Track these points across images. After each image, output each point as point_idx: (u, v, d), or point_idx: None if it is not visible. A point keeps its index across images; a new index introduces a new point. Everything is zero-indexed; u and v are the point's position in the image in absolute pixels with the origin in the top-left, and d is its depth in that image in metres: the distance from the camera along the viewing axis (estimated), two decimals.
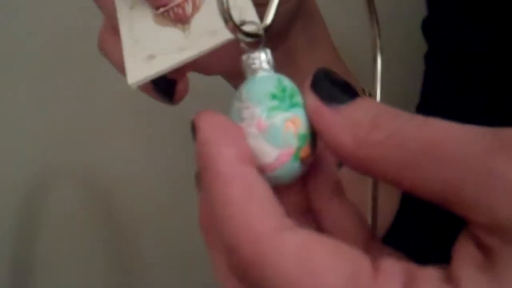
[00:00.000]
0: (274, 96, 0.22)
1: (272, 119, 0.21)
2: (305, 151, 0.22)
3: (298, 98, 0.22)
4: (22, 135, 0.60)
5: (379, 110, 0.20)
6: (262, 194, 0.19)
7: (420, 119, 0.19)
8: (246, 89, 0.22)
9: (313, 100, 0.21)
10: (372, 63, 0.27)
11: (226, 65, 0.35)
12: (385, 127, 0.19)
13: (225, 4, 0.22)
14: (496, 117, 0.38)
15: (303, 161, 0.22)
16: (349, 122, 0.20)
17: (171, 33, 0.27)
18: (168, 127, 0.61)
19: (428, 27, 0.44)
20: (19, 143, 0.60)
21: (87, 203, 0.62)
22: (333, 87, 0.21)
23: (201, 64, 0.36)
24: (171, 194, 0.54)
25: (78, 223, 0.61)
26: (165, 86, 0.31)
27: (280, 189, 0.22)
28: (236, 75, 0.37)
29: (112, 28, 0.30)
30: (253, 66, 0.23)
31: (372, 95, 0.41)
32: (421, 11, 0.44)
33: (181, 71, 0.28)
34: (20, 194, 0.60)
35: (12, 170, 0.59)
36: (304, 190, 0.24)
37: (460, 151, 0.18)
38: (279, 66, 0.23)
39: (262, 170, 0.21)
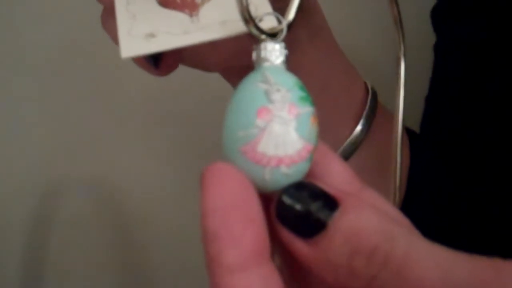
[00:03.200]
0: (301, 88, 0.20)
1: (303, 108, 0.20)
2: (315, 153, 0.21)
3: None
4: (31, 145, 0.59)
5: (355, 244, 0.18)
6: None
7: (397, 260, 0.18)
8: (272, 74, 0.20)
9: (285, 234, 0.19)
10: (394, 64, 0.26)
11: (227, 63, 0.34)
12: (361, 274, 0.18)
13: (244, 2, 0.21)
14: (504, 111, 0.38)
15: (310, 164, 0.20)
16: (326, 263, 0.19)
17: (177, 17, 0.25)
18: (180, 138, 0.61)
19: (437, 16, 0.43)
20: (29, 154, 0.59)
21: (97, 214, 0.61)
22: (302, 211, 0.19)
23: (201, 61, 0.35)
24: (182, 205, 0.53)
25: (88, 234, 0.61)
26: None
27: None
28: (237, 73, 0.36)
29: (109, 9, 0.29)
30: (274, 57, 0.21)
31: (374, 90, 0.41)
32: None
33: None
34: (29, 205, 0.59)
35: (22, 181, 0.59)
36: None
37: None
38: None
39: (277, 163, 0.20)
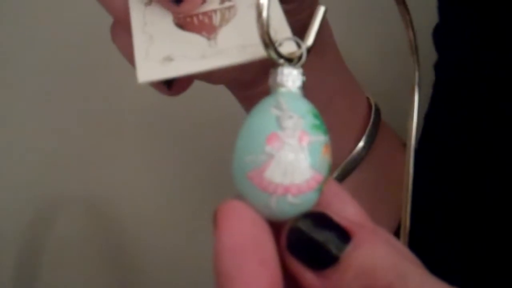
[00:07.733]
0: (315, 115, 0.20)
1: (315, 136, 0.20)
2: (325, 184, 0.20)
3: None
4: (24, 164, 0.58)
5: (367, 280, 0.18)
6: None
7: None
8: (286, 100, 0.20)
9: (295, 264, 0.19)
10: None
11: (233, 76, 0.34)
12: None
13: (265, 27, 0.21)
14: (500, 130, 0.38)
15: (319, 195, 0.20)
16: None
17: (194, 39, 0.25)
18: (176, 155, 0.60)
19: (439, 36, 0.43)
20: (22, 171, 0.58)
21: (90, 233, 0.60)
22: (313, 242, 0.19)
23: (207, 74, 0.35)
24: (178, 224, 0.53)
25: (81, 252, 0.60)
26: None
27: None
28: (242, 85, 0.36)
29: (122, 24, 0.28)
30: (291, 82, 0.21)
31: (377, 106, 0.41)
32: None
33: None
34: (23, 222, 0.58)
35: (15, 200, 0.58)
36: None
37: None
38: None
39: (283, 191, 0.19)
